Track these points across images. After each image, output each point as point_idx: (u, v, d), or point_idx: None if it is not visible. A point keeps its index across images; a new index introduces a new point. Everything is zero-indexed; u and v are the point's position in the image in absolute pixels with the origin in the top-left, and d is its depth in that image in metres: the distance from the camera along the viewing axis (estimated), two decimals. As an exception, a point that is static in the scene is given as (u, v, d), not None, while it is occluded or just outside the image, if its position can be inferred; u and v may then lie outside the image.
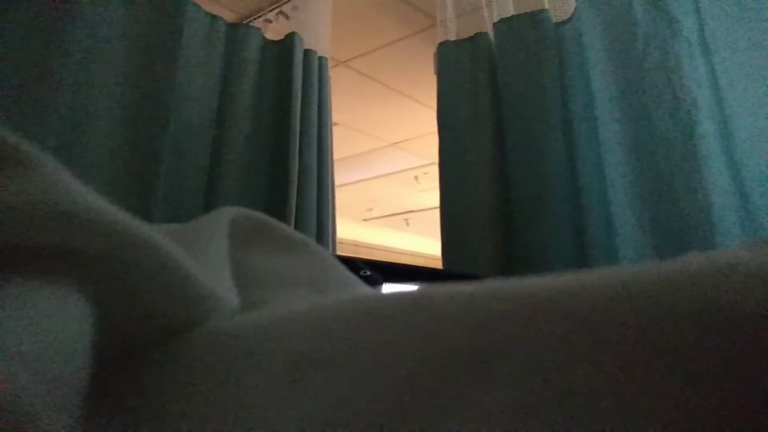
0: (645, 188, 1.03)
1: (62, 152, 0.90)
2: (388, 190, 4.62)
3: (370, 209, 5.29)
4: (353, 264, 0.64)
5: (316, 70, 1.34)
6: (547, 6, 1.25)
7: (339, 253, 1.39)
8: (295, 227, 1.18)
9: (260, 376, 0.19)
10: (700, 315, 0.13)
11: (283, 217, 1.16)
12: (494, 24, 1.29)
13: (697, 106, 1.01)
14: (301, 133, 1.25)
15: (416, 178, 4.21)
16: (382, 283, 0.63)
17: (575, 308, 0.15)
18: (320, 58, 1.37)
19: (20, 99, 0.86)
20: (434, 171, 1.38)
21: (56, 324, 0.18)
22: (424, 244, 6.08)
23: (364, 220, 5.63)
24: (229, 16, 1.78)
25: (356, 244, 5.71)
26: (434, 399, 0.15)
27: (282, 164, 1.20)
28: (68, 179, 0.20)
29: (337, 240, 1.37)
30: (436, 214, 1.29)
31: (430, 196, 4.49)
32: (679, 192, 0.99)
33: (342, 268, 0.35)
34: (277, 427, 0.17)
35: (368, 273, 0.62)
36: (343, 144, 3.38)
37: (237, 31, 1.24)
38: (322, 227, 1.26)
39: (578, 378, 0.14)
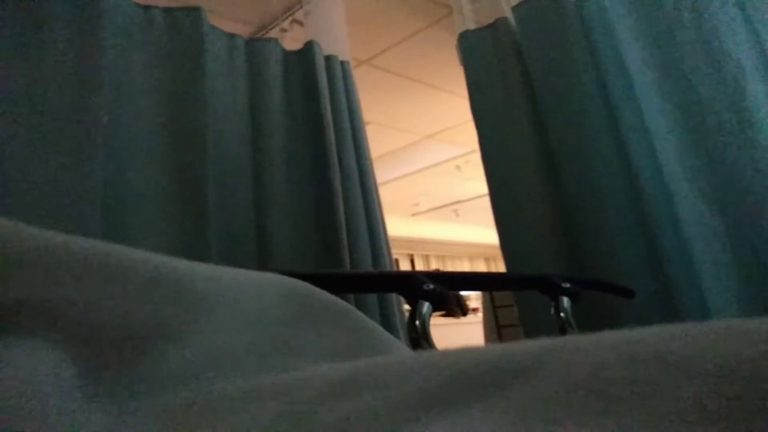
0: (701, 157, 0.99)
1: (114, 188, 0.92)
2: (431, 183, 4.57)
3: (417, 204, 5.26)
4: (415, 279, 0.61)
5: (340, 75, 1.32)
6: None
7: (393, 251, 1.37)
8: (347, 233, 1.16)
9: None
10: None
11: (333, 226, 1.15)
12: (513, 8, 1.26)
13: (743, 68, 0.97)
14: (336, 141, 1.24)
15: (458, 167, 4.14)
16: (446, 296, 0.60)
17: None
18: (342, 62, 1.35)
19: (60, 138, 0.88)
20: (476, 158, 1.33)
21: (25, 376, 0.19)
22: (477, 233, 5.98)
23: (413, 215, 5.60)
24: (244, 30, 1.79)
25: (410, 240, 5.68)
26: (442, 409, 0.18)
27: (323, 175, 1.19)
28: None
29: (390, 238, 1.34)
30: (485, 202, 1.25)
31: (476, 184, 4.41)
32: (736, 158, 0.95)
33: (380, 334, 0.37)
34: None
35: (431, 287, 0.58)
36: (377, 142, 3.37)
37: (256, 46, 1.24)
38: (373, 229, 1.24)
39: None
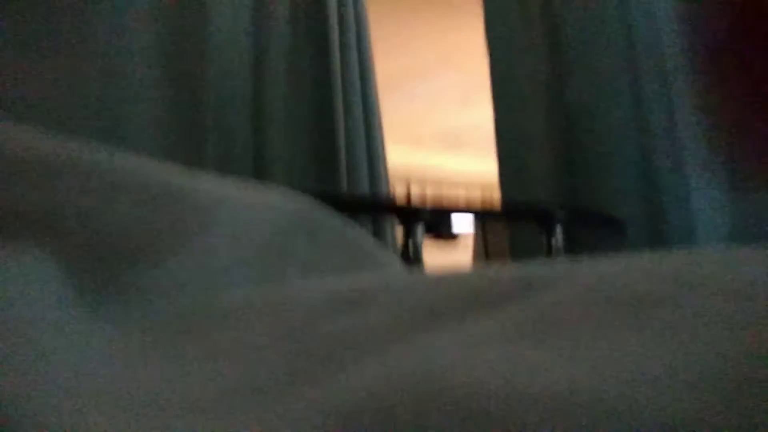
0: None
1: (110, 95, 0.91)
2: (436, 110, 4.48)
3: (419, 130, 5.19)
4: (411, 204, 0.62)
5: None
6: None
7: (391, 177, 1.37)
8: (346, 155, 1.16)
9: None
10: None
11: (332, 146, 1.14)
12: None
13: None
14: (341, 60, 1.20)
15: (465, 94, 4.04)
16: (439, 220, 0.61)
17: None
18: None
19: (57, 42, 0.86)
20: (484, 86, 1.30)
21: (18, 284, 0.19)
22: (477, 163, 5.94)
23: (413, 142, 5.54)
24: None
25: (408, 167, 5.64)
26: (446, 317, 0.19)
27: (325, 93, 1.16)
28: None
29: (389, 164, 1.34)
30: (489, 132, 1.24)
31: (482, 113, 4.30)
32: None
33: (378, 251, 0.38)
34: None
35: (426, 211, 0.59)
36: (382, 64, 3.27)
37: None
38: (373, 152, 1.23)
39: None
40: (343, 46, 1.21)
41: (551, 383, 0.13)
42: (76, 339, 0.20)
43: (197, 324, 0.23)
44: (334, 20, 1.20)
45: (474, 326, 0.17)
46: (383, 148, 1.29)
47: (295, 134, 1.14)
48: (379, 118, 1.30)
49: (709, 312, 0.15)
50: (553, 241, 0.70)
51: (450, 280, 0.21)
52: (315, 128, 1.16)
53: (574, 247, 0.76)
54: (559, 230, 0.70)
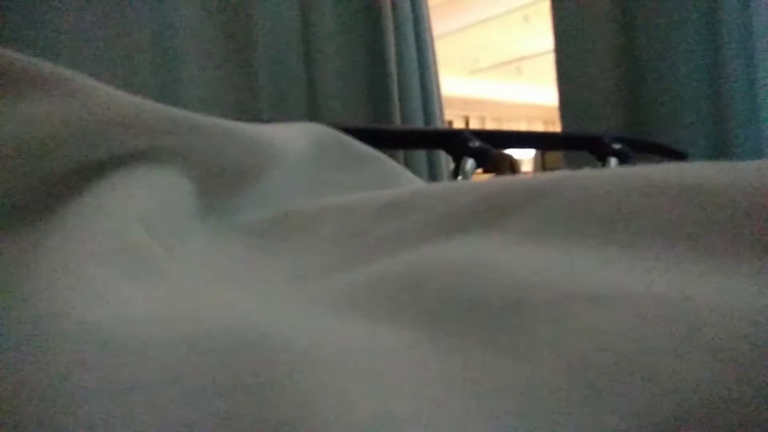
0: None
1: (159, 38, 0.92)
2: (494, 36, 4.26)
3: (476, 60, 4.97)
4: (461, 136, 0.60)
5: None
6: None
7: (448, 111, 1.34)
8: (399, 88, 1.14)
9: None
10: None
11: (384, 80, 1.12)
12: None
13: None
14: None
15: (525, 18, 3.80)
16: (490, 154, 0.60)
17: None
18: None
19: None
20: (546, 8, 1.22)
21: (155, 190, 0.27)
22: (540, 94, 5.66)
23: (471, 72, 5.33)
24: None
25: (465, 100, 5.47)
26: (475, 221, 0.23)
27: (375, 22, 1.13)
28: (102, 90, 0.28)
29: (444, 98, 1.31)
30: (551, 59, 1.17)
31: (544, 38, 4.04)
32: None
33: (408, 177, 0.44)
34: None
35: (476, 144, 0.58)
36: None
37: None
38: (426, 86, 1.20)
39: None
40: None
41: (548, 277, 0.16)
42: (202, 235, 0.30)
43: (277, 229, 0.32)
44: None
45: (485, 234, 0.22)
46: (437, 81, 1.26)
47: (346, 69, 1.13)
48: (433, 49, 1.25)
49: (665, 222, 0.17)
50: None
51: (467, 192, 0.26)
52: (366, 62, 1.14)
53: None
54: (615, 162, 0.67)
